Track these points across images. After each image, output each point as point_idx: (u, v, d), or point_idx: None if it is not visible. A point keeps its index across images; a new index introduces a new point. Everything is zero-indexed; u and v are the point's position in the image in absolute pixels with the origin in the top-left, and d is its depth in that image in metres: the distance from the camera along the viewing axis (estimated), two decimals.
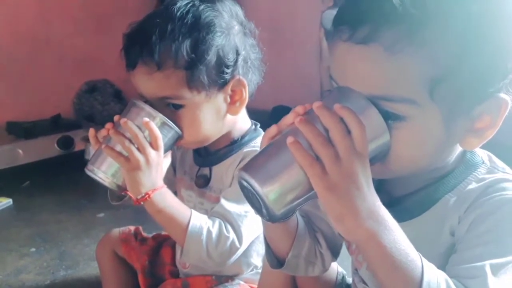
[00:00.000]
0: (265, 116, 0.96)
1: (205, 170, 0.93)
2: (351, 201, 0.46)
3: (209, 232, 0.80)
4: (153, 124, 0.78)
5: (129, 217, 1.59)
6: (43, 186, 1.93)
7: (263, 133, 0.93)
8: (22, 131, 2.12)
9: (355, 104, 0.49)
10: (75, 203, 1.78)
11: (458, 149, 0.56)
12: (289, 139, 0.48)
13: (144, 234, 1.13)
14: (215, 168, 0.91)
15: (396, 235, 0.48)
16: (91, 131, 0.84)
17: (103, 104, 2.67)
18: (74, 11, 2.57)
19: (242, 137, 0.90)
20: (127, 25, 2.56)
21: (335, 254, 0.71)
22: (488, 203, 0.52)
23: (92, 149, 0.84)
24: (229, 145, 0.90)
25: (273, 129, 0.53)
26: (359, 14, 0.49)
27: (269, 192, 0.48)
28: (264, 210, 0.50)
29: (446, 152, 0.55)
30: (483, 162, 0.56)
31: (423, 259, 0.48)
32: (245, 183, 0.50)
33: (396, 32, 0.47)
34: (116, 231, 1.13)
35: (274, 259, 0.66)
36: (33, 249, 1.45)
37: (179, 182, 0.99)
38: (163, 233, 1.15)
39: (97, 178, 0.81)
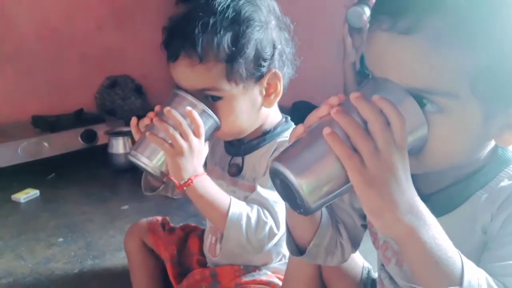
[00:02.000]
0: (285, 112, 0.97)
1: (238, 160, 0.94)
2: (390, 195, 0.45)
3: (248, 218, 0.82)
4: (196, 113, 0.81)
5: (152, 209, 1.61)
6: (68, 178, 1.97)
7: (293, 125, 0.96)
8: (47, 124, 2.16)
9: (393, 96, 0.48)
10: (99, 195, 1.81)
11: (491, 144, 0.55)
12: (326, 130, 0.47)
13: (171, 224, 1.15)
14: (247, 158, 0.93)
15: (435, 230, 0.47)
16: (134, 120, 0.86)
17: (124, 98, 2.70)
18: (96, 8, 2.60)
19: (274, 128, 0.92)
20: (147, 21, 2.58)
21: (355, 246, 0.71)
22: None
23: (122, 141, 0.86)
24: (262, 136, 0.92)
25: (299, 128, 0.52)
26: (402, 3, 0.48)
27: (304, 183, 0.47)
28: (298, 202, 0.48)
29: (481, 147, 0.54)
30: None
31: (462, 256, 0.47)
32: (279, 174, 0.48)
33: (441, 23, 0.46)
34: (144, 221, 1.14)
35: (295, 247, 0.65)
36: (61, 239, 1.48)
37: (210, 173, 1.00)
38: (191, 224, 1.18)
39: (140, 163, 0.83)
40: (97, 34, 2.61)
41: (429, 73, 0.48)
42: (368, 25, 1.26)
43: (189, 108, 0.81)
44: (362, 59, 1.68)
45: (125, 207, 1.69)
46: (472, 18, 0.46)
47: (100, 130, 2.23)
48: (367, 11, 1.42)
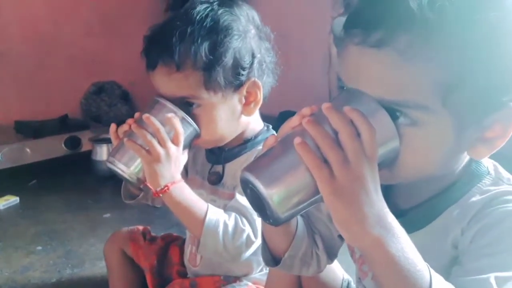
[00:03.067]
0: (272, 121, 0.98)
1: (218, 168, 0.94)
2: (359, 207, 0.45)
3: (225, 225, 0.82)
4: (176, 120, 0.81)
5: (134, 218, 1.60)
6: (50, 185, 1.94)
7: (275, 133, 0.96)
8: (30, 130, 2.13)
9: (365, 107, 0.48)
10: (81, 203, 1.78)
11: (465, 158, 0.55)
12: (297, 140, 0.46)
13: (153, 234, 1.13)
14: (228, 165, 0.93)
15: (404, 243, 0.46)
16: (113, 126, 0.86)
17: (110, 105, 2.68)
18: (84, 12, 2.59)
19: (256, 136, 0.92)
20: (135, 27, 2.56)
21: (331, 257, 0.70)
22: (491, 215, 0.51)
23: (105, 147, 0.86)
24: (243, 144, 0.92)
25: (271, 138, 0.51)
26: (373, 17, 0.48)
27: (274, 194, 0.46)
28: (268, 213, 0.48)
29: (453, 160, 0.54)
30: (488, 173, 0.55)
31: (431, 270, 0.47)
32: (249, 184, 0.48)
33: (412, 36, 0.46)
34: (125, 230, 1.13)
35: (270, 256, 0.65)
36: (40, 247, 1.44)
37: (190, 182, 0.99)
38: (173, 233, 1.16)
39: (117, 170, 0.83)
40: (85, 39, 2.59)
41: (400, 86, 0.48)
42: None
43: (169, 114, 0.81)
44: None
45: (107, 215, 1.67)
46: (442, 32, 0.46)
47: (85, 136, 2.20)
48: None
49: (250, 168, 0.48)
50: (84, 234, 1.53)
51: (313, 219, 0.69)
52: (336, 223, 0.46)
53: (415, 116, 0.48)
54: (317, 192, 0.46)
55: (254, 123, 0.93)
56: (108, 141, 2.01)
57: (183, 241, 1.09)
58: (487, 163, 0.57)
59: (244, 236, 0.82)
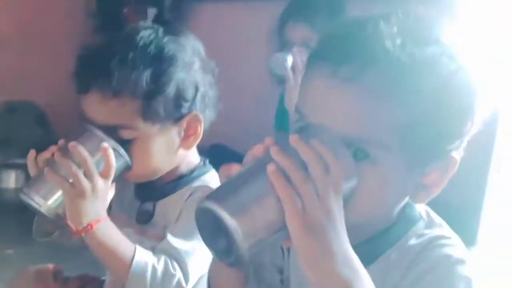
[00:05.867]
0: (203, 153, 0.95)
1: (148, 205, 0.88)
2: (328, 244, 0.44)
3: (154, 269, 0.76)
4: (111, 152, 0.76)
5: (43, 255, 1.44)
6: None
7: (212, 169, 0.93)
8: None
9: (329, 143, 0.47)
10: None
11: (402, 202, 0.57)
12: (271, 167, 0.44)
13: (65, 274, 1.01)
14: (160, 203, 0.87)
15: (367, 284, 0.46)
16: (32, 153, 0.79)
17: (22, 127, 2.46)
18: (2, 25, 2.39)
19: (191, 171, 0.88)
20: (58, 46, 2.44)
21: None
22: (427, 260, 0.52)
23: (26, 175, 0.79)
24: (177, 180, 0.87)
25: (234, 166, 0.49)
26: (345, 50, 0.48)
27: (240, 226, 0.43)
28: (232, 249, 0.44)
29: (398, 204, 0.55)
30: (421, 217, 0.57)
31: None
32: (208, 215, 0.44)
33: (382, 75, 0.47)
34: (32, 269, 0.99)
35: None
36: None
37: (115, 220, 0.91)
38: (88, 274, 1.05)
39: (33, 203, 0.75)
40: (0, 53, 2.39)
41: (365, 122, 0.48)
42: (299, 70, 1.25)
43: (105, 144, 0.75)
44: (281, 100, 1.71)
45: (10, 251, 1.50)
46: (411, 75, 0.47)
47: None
48: (290, 59, 1.46)
49: (212, 196, 0.45)
50: None
51: (257, 267, 0.65)
52: (303, 261, 0.45)
53: (374, 154, 0.49)
54: (283, 226, 0.44)
55: (190, 157, 0.89)
56: (16, 166, 1.83)
57: (101, 283, 0.98)
58: (419, 208, 0.58)
59: (174, 281, 0.76)
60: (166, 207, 0.86)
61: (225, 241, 0.45)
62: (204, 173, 0.88)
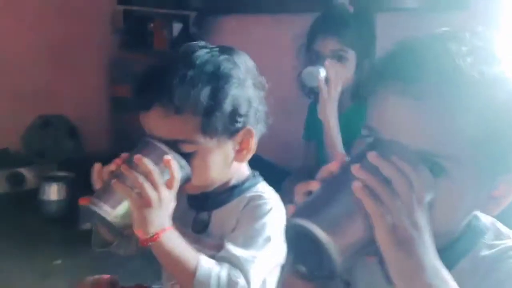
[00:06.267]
0: None
1: (204, 215, 0.91)
2: (419, 258, 0.45)
3: (218, 277, 0.78)
4: (175, 163, 0.78)
5: (89, 265, 1.47)
6: None
7: (262, 180, 0.96)
8: None
9: (407, 159, 0.49)
10: (28, 247, 1.62)
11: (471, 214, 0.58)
12: (357, 185, 0.46)
13: (121, 284, 1.05)
14: (214, 213, 0.90)
15: None
16: (97, 166, 0.81)
17: (55, 140, 2.53)
18: (32, 41, 2.47)
19: (243, 182, 0.91)
20: (87, 61, 2.50)
21: None
22: (502, 271, 0.53)
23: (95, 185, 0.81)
24: (230, 190, 0.90)
25: (313, 183, 0.51)
26: (416, 70, 0.50)
27: (334, 242, 0.45)
28: (326, 264, 0.46)
29: (468, 216, 0.57)
30: (488, 228, 0.59)
31: None
32: (301, 232, 0.46)
33: (456, 92, 0.49)
34: (89, 279, 1.03)
35: None
36: None
37: None
38: (143, 284, 1.08)
39: (101, 212, 0.77)
40: (32, 68, 2.47)
41: (439, 138, 0.50)
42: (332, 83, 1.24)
43: (168, 157, 0.78)
44: (310, 111, 1.74)
45: (58, 261, 1.54)
46: (484, 92, 0.49)
47: (29, 173, 2.04)
48: (322, 71, 1.49)
49: (304, 214, 0.47)
50: (33, 284, 1.40)
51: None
52: (396, 274, 0.46)
53: (449, 168, 0.50)
54: (372, 240, 0.46)
55: (241, 169, 0.92)
56: (57, 179, 1.89)
57: None
58: (485, 219, 0.60)
59: None
60: (221, 216, 0.88)
61: (315, 256, 0.46)
62: (256, 183, 0.91)
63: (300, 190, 0.52)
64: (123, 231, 0.81)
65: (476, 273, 0.55)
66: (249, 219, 0.84)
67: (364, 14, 1.60)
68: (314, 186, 0.50)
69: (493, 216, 0.59)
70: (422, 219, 0.47)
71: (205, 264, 0.79)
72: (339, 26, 1.52)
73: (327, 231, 0.45)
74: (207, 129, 0.81)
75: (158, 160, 0.79)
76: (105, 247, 0.90)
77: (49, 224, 1.83)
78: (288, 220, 0.48)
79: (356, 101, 1.58)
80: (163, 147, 0.79)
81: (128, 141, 0.89)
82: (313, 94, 1.67)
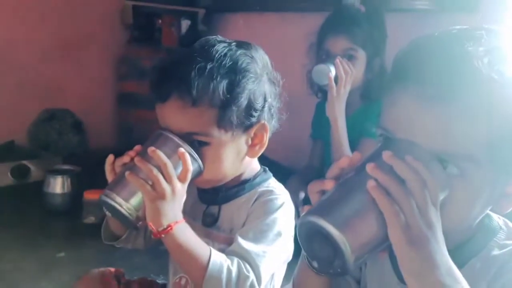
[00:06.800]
0: None
1: (214, 209, 0.90)
2: (432, 256, 0.46)
3: (229, 271, 0.77)
4: (188, 156, 0.78)
5: (93, 258, 1.47)
6: None
7: (272, 176, 0.96)
8: None
9: (421, 158, 0.49)
10: (31, 239, 1.62)
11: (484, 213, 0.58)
12: (371, 184, 0.46)
13: (126, 277, 1.04)
14: (225, 207, 0.89)
15: None
16: (110, 157, 0.81)
17: (60, 134, 2.53)
18: (42, 37, 2.48)
19: (254, 177, 0.91)
20: (94, 57, 2.51)
21: None
22: None
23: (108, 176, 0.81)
24: (241, 184, 0.90)
25: (327, 182, 0.51)
26: (433, 71, 0.50)
27: (348, 240, 0.45)
28: (337, 261, 0.46)
29: (481, 214, 0.56)
30: (501, 228, 0.58)
31: None
32: (315, 229, 0.46)
33: (474, 92, 0.49)
34: (95, 272, 1.01)
35: None
36: None
37: None
38: (147, 278, 1.08)
39: (115, 204, 0.77)
40: (40, 64, 2.47)
41: (456, 139, 0.50)
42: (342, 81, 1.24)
43: (182, 150, 0.78)
44: (318, 110, 1.75)
45: (61, 254, 1.53)
46: (502, 93, 0.49)
47: (34, 165, 2.04)
48: (332, 69, 1.49)
49: (319, 212, 0.47)
50: (35, 275, 1.38)
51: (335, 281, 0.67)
52: (407, 273, 0.46)
53: (463, 168, 0.50)
54: (385, 239, 0.46)
55: (253, 164, 0.91)
56: (62, 172, 1.88)
57: (161, 286, 1.01)
58: (497, 219, 0.59)
59: (248, 283, 0.78)
60: (232, 210, 0.88)
61: (328, 253, 0.47)
62: (267, 179, 0.91)
63: (314, 189, 0.52)
64: (135, 223, 0.80)
65: (488, 272, 0.54)
66: (260, 214, 0.84)
67: (375, 14, 1.60)
68: (328, 185, 0.51)
69: (503, 214, 0.59)
70: (435, 218, 0.47)
71: (217, 257, 0.79)
72: (351, 25, 1.52)
73: (340, 229, 0.45)
74: (223, 122, 0.81)
75: (172, 153, 0.78)
76: (114, 240, 0.90)
77: (53, 217, 1.83)
78: (302, 217, 0.48)
79: (365, 102, 1.58)
80: (177, 140, 0.79)
81: (133, 137, 0.88)
82: (321, 92, 1.67)
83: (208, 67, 0.79)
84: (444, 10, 1.87)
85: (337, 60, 1.47)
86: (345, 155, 0.53)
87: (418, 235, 0.45)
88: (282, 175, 1.42)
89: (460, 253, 0.56)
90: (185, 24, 2.58)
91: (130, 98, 2.50)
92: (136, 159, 0.77)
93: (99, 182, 0.80)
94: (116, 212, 0.78)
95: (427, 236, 0.46)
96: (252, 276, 0.79)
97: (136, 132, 2.37)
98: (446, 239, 0.56)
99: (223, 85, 0.79)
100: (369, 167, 0.48)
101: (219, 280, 0.77)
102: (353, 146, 1.50)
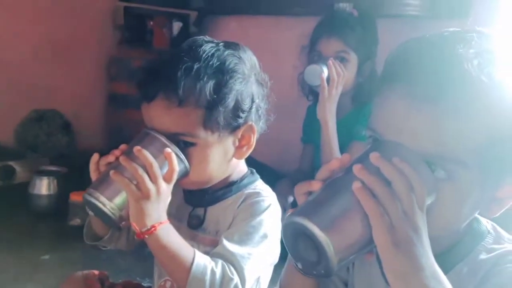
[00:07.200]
0: None
1: (199, 211, 0.89)
2: (416, 258, 0.45)
3: (213, 273, 0.77)
4: (174, 156, 0.77)
5: (78, 261, 1.45)
6: None
7: (259, 178, 0.95)
8: None
9: (409, 160, 0.48)
10: (15, 241, 1.59)
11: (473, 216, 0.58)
12: (357, 185, 0.46)
13: (111, 280, 1.03)
14: (211, 209, 0.88)
15: None
16: (95, 156, 0.80)
17: (49, 134, 2.50)
18: (32, 36, 2.45)
19: (241, 179, 0.90)
20: (85, 58, 2.49)
21: None
22: (501, 275, 0.53)
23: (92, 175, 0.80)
24: (227, 186, 0.89)
25: (314, 183, 0.50)
26: (424, 72, 0.50)
27: (332, 241, 0.45)
28: (322, 262, 0.46)
29: (470, 218, 0.56)
30: (489, 232, 0.58)
31: None
32: (299, 230, 0.46)
33: (463, 95, 0.49)
34: (79, 274, 1.00)
35: None
36: None
37: None
38: (133, 281, 1.06)
39: (98, 203, 0.76)
40: (30, 63, 2.45)
41: (444, 141, 0.49)
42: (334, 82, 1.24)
43: (168, 150, 0.77)
44: (309, 113, 1.74)
45: (46, 256, 1.50)
46: (491, 95, 0.49)
47: (20, 166, 2.01)
48: (325, 70, 1.49)
49: (304, 213, 0.46)
50: (19, 278, 1.35)
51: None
52: (391, 275, 0.46)
53: (452, 171, 0.50)
54: (370, 241, 0.45)
55: (240, 166, 0.91)
56: (49, 173, 1.85)
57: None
58: (485, 223, 0.59)
59: (232, 285, 0.77)
60: (218, 212, 0.87)
61: (312, 254, 0.46)
62: (254, 181, 0.90)
63: (301, 190, 0.51)
64: (119, 223, 0.79)
65: (475, 276, 0.54)
66: (246, 216, 0.83)
67: (368, 18, 1.61)
68: (315, 186, 0.50)
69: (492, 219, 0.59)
70: (421, 221, 0.46)
71: (201, 259, 0.78)
72: (343, 28, 1.54)
73: (324, 230, 0.45)
74: (209, 123, 0.80)
75: (158, 152, 0.78)
76: (97, 241, 0.89)
77: (39, 219, 1.80)
78: (287, 217, 0.48)
79: (356, 105, 1.59)
80: (163, 139, 0.78)
81: (122, 138, 0.87)
82: (312, 95, 1.67)
83: (195, 67, 0.78)
84: (435, 16, 1.88)
85: (330, 61, 1.48)
86: (335, 158, 0.52)
87: (403, 238, 0.45)
88: (272, 178, 1.43)
89: (447, 257, 0.56)
90: (176, 26, 2.57)
91: (120, 99, 2.48)
92: (121, 158, 0.76)
93: (86, 184, 0.78)
94: (99, 211, 0.77)
95: (412, 239, 0.45)
96: (236, 279, 0.78)
97: (126, 133, 2.35)
98: (433, 243, 0.55)
99: (210, 85, 0.78)
100: (356, 168, 0.47)
101: (203, 282, 0.76)
102: (344, 150, 1.49)
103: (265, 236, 0.81)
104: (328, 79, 1.48)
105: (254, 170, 0.94)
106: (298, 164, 1.81)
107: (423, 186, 0.47)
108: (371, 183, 0.46)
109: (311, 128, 1.68)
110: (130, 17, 2.61)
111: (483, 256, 0.55)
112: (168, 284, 0.90)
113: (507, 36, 0.55)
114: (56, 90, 2.56)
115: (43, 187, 1.82)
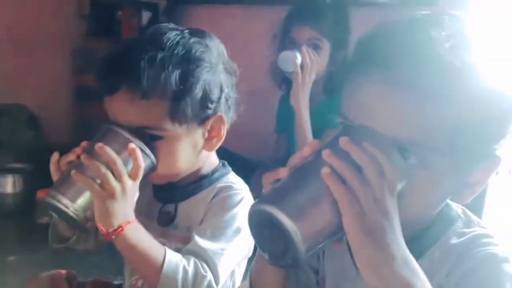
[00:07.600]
0: None
1: (170, 207, 0.86)
2: (387, 246, 0.44)
3: (185, 271, 0.75)
4: (139, 152, 0.74)
5: (47, 261, 1.40)
6: None
7: (231, 170, 0.93)
8: None
9: (380, 145, 0.47)
10: None
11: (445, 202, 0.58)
12: (326, 171, 0.44)
13: (79, 279, 0.99)
14: (181, 205, 0.86)
15: (427, 286, 0.46)
16: (55, 155, 0.77)
17: (13, 130, 2.41)
18: None
19: (212, 173, 0.88)
20: (50, 50, 2.40)
21: None
22: (474, 258, 0.53)
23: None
24: (198, 180, 0.86)
25: (282, 170, 0.49)
26: (395, 56, 0.49)
27: (300, 229, 0.43)
28: (290, 251, 0.44)
29: (441, 204, 0.56)
30: (459, 216, 0.58)
31: None
32: (265, 218, 0.44)
33: (435, 79, 0.48)
34: (44, 275, 0.97)
35: None
36: None
37: None
38: (101, 279, 1.03)
39: (60, 205, 0.73)
40: None
41: (416, 126, 0.49)
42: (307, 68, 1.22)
43: (132, 145, 0.74)
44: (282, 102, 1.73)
45: (12, 258, 1.45)
46: (463, 79, 0.48)
47: None
48: (299, 57, 1.48)
49: (269, 200, 0.45)
50: None
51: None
52: (362, 264, 0.45)
53: (424, 157, 0.49)
54: (340, 228, 0.44)
55: (211, 158, 0.88)
56: (13, 171, 1.78)
57: (117, 287, 0.97)
58: (455, 207, 0.59)
59: (205, 283, 0.75)
60: (189, 208, 0.85)
61: (279, 244, 0.45)
62: (226, 174, 0.88)
63: (268, 180, 0.50)
64: (84, 224, 0.76)
65: (447, 261, 0.54)
66: (218, 210, 0.81)
67: (341, 6, 1.61)
68: (283, 173, 0.49)
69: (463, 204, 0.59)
70: (392, 207, 0.45)
71: (172, 258, 0.76)
72: (316, 15, 1.53)
73: (291, 217, 0.43)
74: (176, 115, 0.77)
75: (121, 149, 0.75)
76: (63, 243, 0.87)
77: (4, 218, 1.74)
78: (252, 205, 0.46)
79: (328, 94, 1.58)
80: (126, 135, 0.75)
81: (93, 132, 0.84)
82: (285, 84, 1.66)
83: (159, 56, 0.75)
84: (406, 5, 1.89)
85: (303, 48, 1.47)
86: (311, 142, 0.51)
87: (373, 224, 0.44)
88: (248, 169, 1.41)
89: (418, 242, 0.56)
90: (146, 16, 2.50)
91: (88, 92, 2.40)
92: (83, 157, 0.73)
93: None
94: (62, 214, 0.74)
95: (382, 226, 0.44)
96: (209, 276, 0.76)
97: (95, 127, 2.28)
98: (404, 229, 0.55)
99: (175, 75, 0.75)
100: (325, 153, 0.46)
101: (175, 281, 0.74)
102: (318, 138, 1.49)
103: (238, 231, 0.79)
104: (301, 66, 1.47)
105: (226, 162, 0.92)
106: (272, 154, 1.80)
107: (394, 171, 0.46)
108: (341, 168, 0.45)
109: (284, 118, 1.67)
110: (96, 6, 2.52)
111: (454, 240, 0.55)
112: (140, 282, 0.88)
113: (476, 21, 0.55)
114: (21, 84, 2.46)
115: (8, 185, 1.75)
